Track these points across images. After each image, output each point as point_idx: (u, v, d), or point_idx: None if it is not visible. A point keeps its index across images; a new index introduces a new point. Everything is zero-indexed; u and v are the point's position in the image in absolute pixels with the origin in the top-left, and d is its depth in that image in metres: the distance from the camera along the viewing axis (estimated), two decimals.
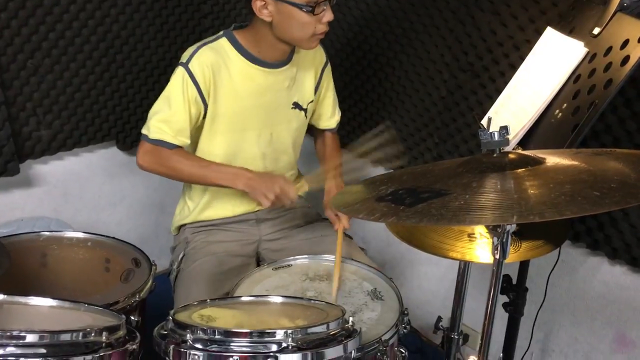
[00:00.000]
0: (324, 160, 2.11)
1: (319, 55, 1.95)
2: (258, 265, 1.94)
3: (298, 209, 2.04)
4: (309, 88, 1.94)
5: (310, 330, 1.22)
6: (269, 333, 1.19)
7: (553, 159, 1.17)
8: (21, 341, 1.08)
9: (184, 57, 1.76)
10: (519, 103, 1.58)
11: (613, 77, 1.35)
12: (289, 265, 1.75)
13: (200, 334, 1.20)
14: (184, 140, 1.77)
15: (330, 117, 2.08)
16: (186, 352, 1.19)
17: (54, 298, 1.29)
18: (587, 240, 1.88)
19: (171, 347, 1.21)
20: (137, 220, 2.67)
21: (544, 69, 1.56)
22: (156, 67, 2.40)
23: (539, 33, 1.67)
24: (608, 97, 1.34)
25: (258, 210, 1.96)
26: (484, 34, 1.95)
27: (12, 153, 2.10)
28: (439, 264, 2.36)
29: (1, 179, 2.14)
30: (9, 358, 1.07)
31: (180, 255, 1.90)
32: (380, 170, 2.48)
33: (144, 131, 1.77)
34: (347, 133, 2.56)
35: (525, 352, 2.10)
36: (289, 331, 1.19)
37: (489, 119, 1.30)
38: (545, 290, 1.98)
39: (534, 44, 1.64)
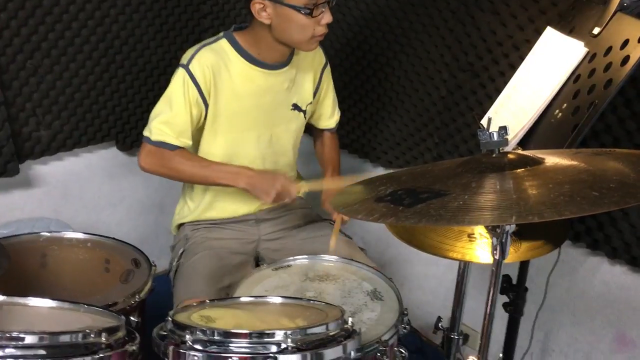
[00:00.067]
0: (322, 159, 2.12)
1: (318, 56, 1.95)
2: (257, 265, 1.94)
3: (298, 210, 2.04)
4: (308, 90, 1.94)
5: (309, 331, 1.22)
6: (268, 334, 1.19)
7: (552, 159, 1.17)
8: (20, 342, 1.08)
9: (185, 59, 1.76)
10: (519, 103, 1.58)
11: (613, 77, 1.34)
12: (288, 266, 1.75)
13: (200, 335, 1.20)
14: (185, 141, 1.77)
15: (329, 117, 2.08)
16: (185, 353, 1.19)
17: (53, 299, 1.29)
18: (587, 240, 1.88)
19: (170, 347, 1.21)
20: (137, 220, 2.67)
21: (543, 69, 1.56)
22: (156, 68, 2.40)
23: (538, 33, 1.67)
24: (608, 97, 1.33)
25: (258, 211, 1.97)
26: (483, 33, 1.95)
27: (12, 153, 2.10)
28: (439, 264, 2.36)
29: (1, 180, 2.14)
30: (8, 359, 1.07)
31: (180, 251, 1.90)
32: (379, 171, 2.49)
33: (145, 133, 1.78)
34: (346, 133, 2.56)
35: (526, 352, 2.10)
36: (289, 332, 1.18)
37: (489, 119, 1.30)
38: (545, 290, 1.98)
39: (534, 44, 1.64)
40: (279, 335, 1.18)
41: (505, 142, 1.19)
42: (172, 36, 2.40)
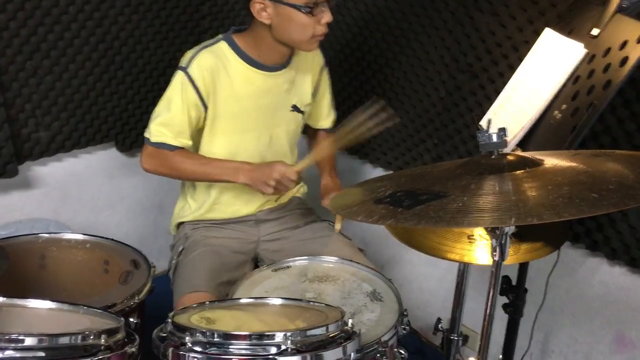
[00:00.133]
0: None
1: (317, 58, 1.95)
2: (256, 265, 1.94)
3: (297, 211, 2.04)
4: (307, 91, 1.95)
5: (309, 332, 1.22)
6: (268, 335, 1.19)
7: (551, 161, 1.17)
8: (20, 344, 1.08)
9: (184, 61, 1.76)
10: (518, 104, 1.58)
11: (612, 78, 1.34)
12: (288, 267, 1.75)
13: (200, 337, 1.20)
14: (185, 141, 1.78)
15: (326, 117, 2.09)
16: (185, 354, 1.19)
17: (52, 300, 1.29)
18: (586, 241, 1.88)
19: (170, 349, 1.21)
20: (136, 221, 2.66)
21: (542, 70, 1.56)
22: (155, 69, 2.40)
23: (537, 34, 1.67)
24: (607, 98, 1.34)
25: (258, 212, 1.97)
26: (482, 35, 1.95)
27: (11, 155, 2.10)
28: (438, 265, 2.36)
29: (0, 181, 2.14)
30: None
31: (180, 249, 1.90)
32: (378, 172, 2.49)
33: (146, 135, 1.80)
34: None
35: (525, 353, 2.10)
36: (288, 334, 1.19)
37: (488, 120, 1.30)
38: (545, 291, 1.98)
39: (533, 45, 1.64)
40: (279, 337, 1.18)
41: (505, 144, 1.19)
42: (171, 37, 2.40)
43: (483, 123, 1.62)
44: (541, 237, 1.52)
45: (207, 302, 1.47)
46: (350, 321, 1.30)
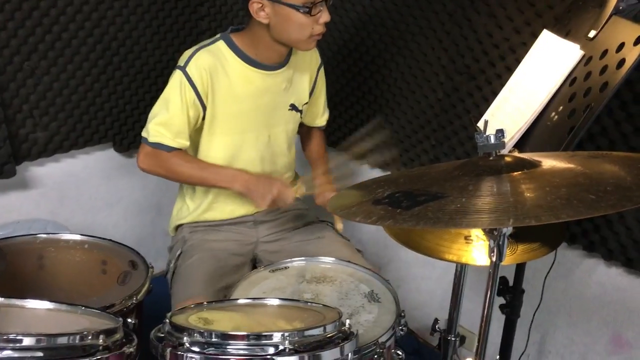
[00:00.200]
0: (312, 157, 2.13)
1: (314, 57, 1.96)
2: (254, 267, 1.94)
3: (295, 211, 2.04)
4: (305, 90, 1.95)
5: (307, 333, 1.22)
6: (265, 336, 1.20)
7: (549, 162, 1.17)
8: (18, 344, 1.08)
9: (182, 61, 1.76)
10: (515, 105, 1.59)
11: (609, 80, 1.35)
12: (285, 268, 1.75)
13: (197, 337, 1.21)
14: (182, 142, 1.78)
15: (321, 115, 2.10)
16: (183, 355, 1.19)
17: (50, 301, 1.29)
18: (583, 242, 1.89)
19: (168, 350, 1.21)
20: (134, 222, 2.66)
21: (540, 72, 1.57)
22: (153, 69, 2.40)
23: (535, 36, 1.67)
24: (604, 100, 1.34)
25: (256, 213, 1.97)
26: (480, 36, 1.96)
27: (9, 155, 2.10)
28: (436, 266, 2.37)
29: None
30: None
31: (178, 253, 1.90)
32: (376, 173, 2.49)
33: (143, 134, 1.79)
34: (343, 135, 2.56)
35: (522, 354, 2.11)
36: (286, 334, 1.19)
37: (486, 122, 1.31)
38: (542, 292, 1.98)
39: (530, 47, 1.65)
40: (277, 337, 1.19)
41: (502, 145, 1.20)
42: (169, 38, 2.40)
43: (480, 124, 1.62)
44: (538, 237, 1.52)
45: (205, 303, 1.47)
46: (347, 322, 1.30)
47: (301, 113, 1.97)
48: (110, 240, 1.82)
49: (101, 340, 1.17)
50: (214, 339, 1.20)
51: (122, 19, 2.24)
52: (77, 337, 1.14)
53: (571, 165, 1.15)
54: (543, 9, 1.76)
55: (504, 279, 1.74)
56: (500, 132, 1.19)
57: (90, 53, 2.22)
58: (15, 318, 1.25)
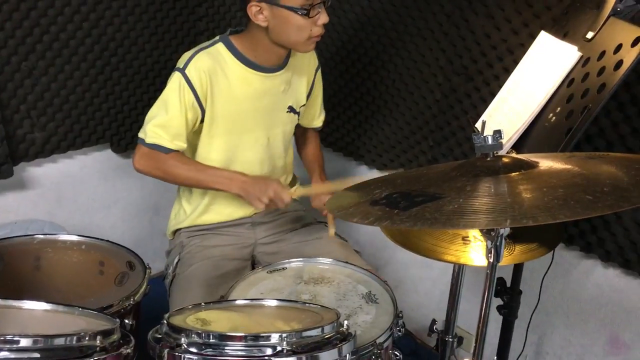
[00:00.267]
0: (308, 158, 2.13)
1: (312, 59, 1.96)
2: (253, 268, 1.94)
3: (293, 213, 2.04)
4: (303, 92, 1.95)
5: (305, 333, 1.22)
6: (263, 337, 1.19)
7: (546, 163, 1.18)
8: (15, 345, 1.07)
9: (181, 63, 1.76)
10: (513, 106, 1.59)
11: (606, 82, 1.35)
12: (283, 268, 1.75)
13: (195, 338, 1.20)
14: (180, 144, 1.78)
15: (318, 116, 2.10)
16: (181, 355, 1.19)
17: (47, 302, 1.29)
18: (581, 243, 1.89)
19: (166, 350, 1.21)
20: (132, 222, 2.66)
21: (537, 73, 1.57)
22: (151, 70, 2.40)
23: (532, 37, 1.68)
24: (601, 101, 1.34)
25: (254, 215, 1.97)
26: (478, 37, 1.96)
27: (6, 155, 2.10)
28: (433, 267, 2.37)
29: None
30: None
31: (176, 260, 1.90)
32: (374, 174, 2.49)
33: (140, 135, 1.78)
34: (341, 136, 2.57)
35: (520, 355, 2.11)
36: (284, 335, 1.18)
37: (483, 123, 1.31)
38: (539, 293, 1.98)
39: (528, 48, 1.65)
40: (275, 338, 1.18)
41: (500, 146, 1.20)
42: (168, 39, 2.40)
43: (478, 125, 1.62)
44: (536, 238, 1.52)
45: (203, 304, 1.47)
46: (345, 322, 1.30)
47: (299, 115, 1.97)
48: (108, 241, 1.81)
49: (98, 341, 1.17)
50: (211, 340, 1.20)
51: (120, 20, 2.24)
52: (75, 338, 1.14)
53: (568, 166, 1.15)
54: (541, 10, 1.77)
55: (501, 280, 1.75)
56: (497, 133, 1.19)
57: (88, 53, 2.22)
58: (12, 319, 1.25)
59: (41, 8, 2.05)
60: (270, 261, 1.85)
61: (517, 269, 1.73)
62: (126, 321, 1.36)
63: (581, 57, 1.46)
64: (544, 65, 1.56)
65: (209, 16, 2.49)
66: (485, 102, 1.89)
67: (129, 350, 1.23)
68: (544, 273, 1.94)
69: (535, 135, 1.51)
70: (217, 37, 1.82)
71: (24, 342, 1.08)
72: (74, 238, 1.80)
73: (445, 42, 2.06)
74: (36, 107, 2.16)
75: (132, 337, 1.28)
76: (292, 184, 2.08)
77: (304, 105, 1.98)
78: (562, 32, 1.58)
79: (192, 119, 1.77)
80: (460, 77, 2.05)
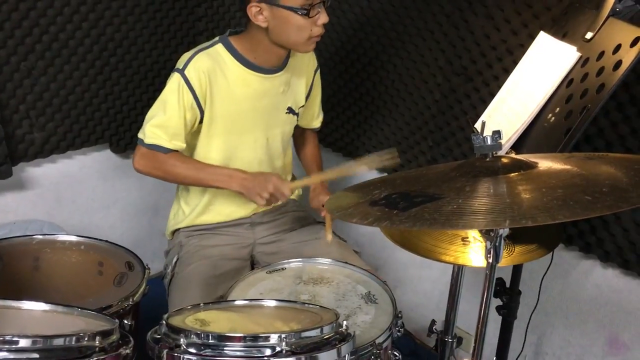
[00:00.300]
0: (307, 158, 2.13)
1: (311, 60, 1.96)
2: (252, 268, 1.94)
3: (292, 213, 2.04)
4: (302, 93, 1.95)
5: (304, 334, 1.22)
6: (262, 337, 1.19)
7: (545, 163, 1.18)
8: (14, 346, 1.07)
9: (180, 63, 1.76)
10: (512, 107, 1.59)
11: (605, 82, 1.35)
12: (282, 269, 1.75)
13: (194, 338, 1.20)
14: (179, 144, 1.78)
15: (316, 117, 2.10)
16: (180, 356, 1.19)
17: (46, 302, 1.28)
18: (580, 244, 1.89)
19: (165, 351, 1.21)
20: (131, 223, 2.66)
21: (537, 73, 1.57)
22: (150, 70, 2.39)
23: (532, 37, 1.68)
24: (600, 101, 1.34)
25: (253, 215, 1.97)
26: (477, 38, 1.96)
27: (5, 156, 2.10)
28: (433, 267, 2.37)
29: None
30: None
31: (174, 259, 1.90)
32: (373, 174, 2.49)
33: (140, 135, 1.79)
34: (340, 136, 2.57)
35: (519, 355, 2.11)
36: (283, 335, 1.18)
37: (483, 123, 1.31)
38: (539, 294, 1.99)
39: (527, 48, 1.65)
40: (274, 339, 1.18)
41: (499, 146, 1.20)
42: (167, 39, 2.40)
43: (477, 126, 1.63)
44: (535, 239, 1.52)
45: (202, 304, 1.47)
46: (344, 323, 1.30)
47: (297, 116, 1.97)
48: (107, 241, 1.81)
49: (97, 342, 1.17)
50: (210, 341, 1.20)
51: (119, 20, 2.24)
52: (73, 338, 1.14)
53: (568, 167, 1.16)
54: (540, 11, 1.77)
55: (500, 281, 1.75)
56: (497, 134, 1.19)
57: (87, 54, 2.21)
58: (11, 319, 1.25)
59: (40, 8, 2.05)
60: (269, 261, 1.85)
61: (517, 269, 1.74)
62: (125, 322, 1.36)
63: (580, 58, 1.46)
64: (543, 66, 1.56)
65: (208, 16, 2.49)
66: (484, 102, 1.89)
67: (128, 351, 1.23)
68: (543, 273, 1.94)
69: (534, 136, 1.51)
70: (217, 38, 1.81)
71: (23, 343, 1.08)
72: (73, 238, 1.80)
73: (445, 42, 2.06)
74: (35, 107, 2.16)
75: (131, 338, 1.28)
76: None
77: (302, 106, 1.98)
78: (562, 33, 1.59)
79: (190, 119, 1.77)
80: (459, 78, 2.05)
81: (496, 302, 1.76)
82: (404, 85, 2.26)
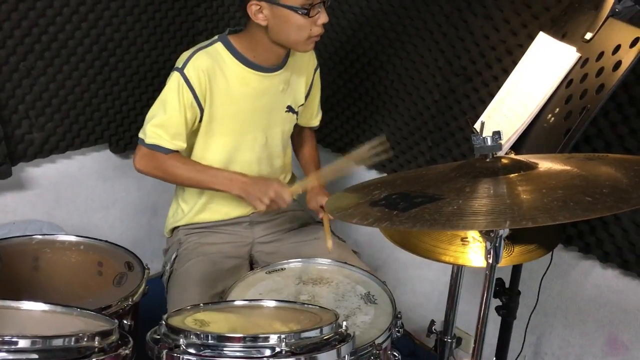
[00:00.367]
0: (305, 157, 2.13)
1: (311, 59, 1.96)
2: (251, 267, 1.94)
3: (291, 213, 2.04)
4: (301, 92, 1.95)
5: (303, 334, 1.22)
6: (262, 338, 1.19)
7: (545, 164, 1.18)
8: (13, 346, 1.07)
9: (180, 62, 1.76)
10: (512, 107, 1.59)
11: (605, 82, 1.35)
12: (282, 269, 1.75)
13: (194, 339, 1.20)
14: (180, 144, 1.78)
15: (316, 116, 2.10)
16: (179, 356, 1.19)
17: (46, 302, 1.28)
18: (579, 244, 1.89)
19: (164, 351, 1.21)
20: (130, 223, 2.66)
21: (536, 74, 1.57)
22: (149, 70, 2.39)
23: (531, 38, 1.68)
24: (600, 102, 1.34)
25: (252, 214, 1.97)
26: (476, 38, 1.96)
27: (5, 156, 2.09)
28: (432, 268, 2.36)
29: None
30: None
31: (173, 256, 1.90)
32: (372, 174, 2.49)
33: (140, 135, 1.79)
34: (340, 136, 2.57)
35: (518, 355, 2.11)
36: (283, 336, 1.18)
37: (482, 124, 1.31)
38: (538, 294, 1.99)
39: (527, 49, 1.65)
40: (273, 339, 1.18)
41: (499, 147, 1.20)
42: (166, 39, 2.40)
43: (477, 126, 1.63)
44: (534, 239, 1.52)
45: (201, 305, 1.47)
46: (344, 323, 1.30)
47: (297, 115, 1.97)
48: (106, 241, 1.81)
49: (97, 342, 1.17)
50: (210, 341, 1.19)
51: (118, 20, 2.24)
52: (73, 339, 1.14)
53: (567, 167, 1.16)
54: (539, 11, 1.77)
55: (500, 281, 1.75)
56: (496, 134, 1.19)
57: (86, 54, 2.21)
58: (10, 320, 1.25)
59: (40, 8, 2.05)
60: (268, 261, 1.85)
61: (516, 269, 1.74)
62: (125, 322, 1.36)
63: (580, 58, 1.46)
64: (543, 66, 1.56)
65: (208, 16, 2.49)
66: (483, 103, 1.89)
67: (127, 351, 1.22)
68: (543, 274, 1.94)
69: (534, 136, 1.51)
70: (216, 37, 1.81)
71: (22, 343, 1.08)
72: (73, 238, 1.80)
73: (444, 42, 2.06)
74: (34, 108, 2.16)
75: (130, 338, 1.28)
76: (290, 183, 2.07)
77: (302, 105, 1.98)
78: (561, 33, 1.59)
79: (191, 118, 1.77)
80: (459, 78, 2.05)
81: (495, 302, 1.76)
82: (403, 86, 2.26)
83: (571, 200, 0.99)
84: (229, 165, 1.86)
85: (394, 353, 1.51)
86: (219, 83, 1.77)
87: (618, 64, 1.34)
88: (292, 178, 2.10)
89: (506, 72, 1.76)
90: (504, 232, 1.16)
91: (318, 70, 2.01)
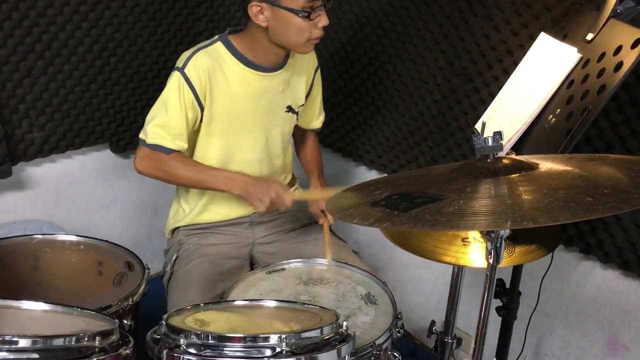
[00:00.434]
0: (306, 159, 2.13)
1: (312, 59, 1.96)
2: (252, 268, 1.94)
3: (292, 213, 2.04)
4: (302, 92, 1.95)
5: (304, 335, 1.22)
6: (262, 338, 1.19)
7: (546, 164, 1.18)
8: (14, 346, 1.07)
9: (180, 62, 1.76)
10: (513, 108, 1.59)
11: (606, 83, 1.35)
12: (282, 269, 1.75)
13: (194, 339, 1.20)
14: (181, 144, 1.77)
15: (317, 117, 2.10)
16: (179, 356, 1.19)
17: (46, 302, 1.28)
18: (580, 245, 1.89)
19: (164, 351, 1.21)
20: (130, 223, 2.66)
21: (537, 74, 1.57)
22: (150, 70, 2.39)
23: (532, 38, 1.68)
24: (601, 102, 1.34)
25: (252, 214, 1.97)
26: (477, 38, 1.96)
27: (5, 155, 2.09)
28: (433, 268, 2.36)
29: None
30: None
31: (174, 257, 1.90)
32: (373, 175, 2.49)
33: (141, 136, 1.78)
34: (340, 137, 2.56)
35: (519, 356, 2.11)
36: (283, 336, 1.18)
37: (483, 124, 1.31)
38: (538, 294, 1.98)
39: (528, 49, 1.65)
40: (274, 339, 1.18)
41: (500, 147, 1.20)
42: (167, 39, 2.40)
43: (478, 126, 1.63)
44: (535, 240, 1.52)
45: (202, 304, 1.47)
46: (344, 324, 1.30)
47: (297, 115, 1.97)
48: (106, 241, 1.81)
49: (97, 342, 1.17)
50: (210, 341, 1.20)
51: (119, 20, 2.24)
52: (73, 338, 1.14)
53: (568, 168, 1.15)
54: (541, 12, 1.77)
55: (500, 281, 1.75)
56: (497, 134, 1.19)
57: (87, 53, 2.21)
58: (10, 319, 1.25)
59: (40, 7, 2.05)
60: (268, 261, 1.85)
61: (517, 270, 1.74)
62: (125, 322, 1.36)
63: (581, 59, 1.46)
64: (544, 67, 1.56)
65: (208, 16, 2.49)
66: (484, 103, 1.89)
67: (127, 351, 1.23)
68: (543, 274, 1.94)
69: (534, 137, 1.51)
70: (216, 37, 1.81)
71: (23, 343, 1.08)
72: (73, 238, 1.80)
73: (445, 43, 2.06)
74: (35, 107, 2.16)
75: (130, 338, 1.28)
76: (291, 183, 2.07)
77: (302, 105, 1.98)
78: (562, 34, 1.58)
79: (192, 118, 1.77)
80: (459, 78, 2.05)
81: (496, 302, 1.76)
82: (404, 86, 2.26)
83: (572, 201, 0.99)
84: (229, 165, 1.86)
85: (395, 353, 1.51)
86: (219, 83, 1.77)
87: (619, 65, 1.34)
88: (292, 178, 2.10)
89: (507, 73, 1.76)
90: (505, 232, 1.16)
91: (319, 71, 2.01)
